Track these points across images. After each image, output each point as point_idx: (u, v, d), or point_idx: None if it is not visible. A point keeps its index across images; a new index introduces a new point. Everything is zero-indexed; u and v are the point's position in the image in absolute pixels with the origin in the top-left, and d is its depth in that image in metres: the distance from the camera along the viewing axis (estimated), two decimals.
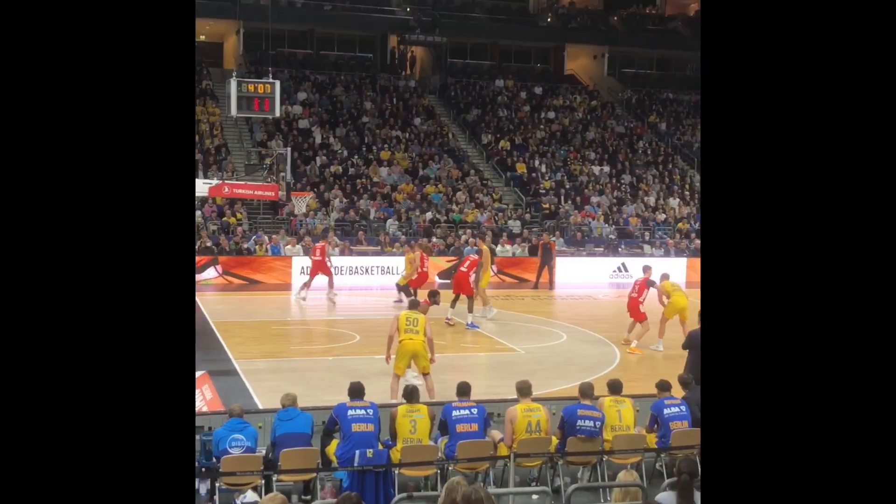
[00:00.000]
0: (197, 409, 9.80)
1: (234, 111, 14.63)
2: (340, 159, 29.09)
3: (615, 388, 9.13)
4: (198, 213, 23.63)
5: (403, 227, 25.95)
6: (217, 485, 7.88)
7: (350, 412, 8.15)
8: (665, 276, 15.57)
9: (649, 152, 33.67)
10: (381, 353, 11.78)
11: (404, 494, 7.21)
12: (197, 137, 27.37)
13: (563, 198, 29.24)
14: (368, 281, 22.79)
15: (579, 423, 8.43)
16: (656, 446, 8.83)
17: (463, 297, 16.76)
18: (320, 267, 19.46)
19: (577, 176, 30.90)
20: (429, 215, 26.77)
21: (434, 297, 12.77)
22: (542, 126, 33.69)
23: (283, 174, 14.58)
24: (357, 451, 7.78)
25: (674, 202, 30.20)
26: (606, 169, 31.57)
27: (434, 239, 24.96)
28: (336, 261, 21.34)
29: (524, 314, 18.99)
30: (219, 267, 22.16)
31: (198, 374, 11.18)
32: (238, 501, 7.83)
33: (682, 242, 27.42)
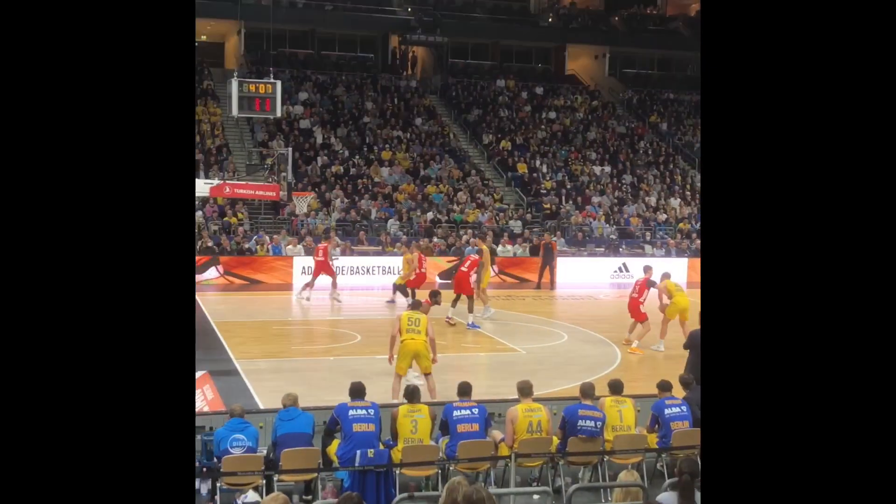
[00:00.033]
0: (198, 409, 9.81)
1: (235, 111, 14.65)
2: (341, 159, 29.09)
3: (616, 388, 9.14)
4: (199, 213, 23.65)
5: (404, 228, 25.94)
6: (218, 485, 7.88)
7: (351, 412, 8.16)
8: (666, 276, 15.53)
9: (650, 152, 33.66)
10: (382, 354, 11.78)
11: (405, 494, 7.21)
12: (198, 137, 27.38)
13: (564, 198, 29.23)
14: (369, 281, 22.80)
15: (580, 423, 8.42)
16: (657, 446, 8.82)
17: (464, 297, 16.78)
18: (323, 267, 19.43)
19: (578, 176, 30.89)
20: (430, 215, 26.76)
21: (435, 297, 12.77)
22: (543, 126, 33.68)
23: (284, 174, 14.59)
24: (358, 451, 7.78)
25: (675, 202, 30.19)
26: (607, 169, 31.56)
27: (435, 239, 24.98)
28: (337, 261, 21.34)
29: (525, 314, 18.99)
30: (220, 267, 22.16)
31: (199, 374, 11.18)
32: (239, 501, 7.83)
33: (683, 243, 27.42)
